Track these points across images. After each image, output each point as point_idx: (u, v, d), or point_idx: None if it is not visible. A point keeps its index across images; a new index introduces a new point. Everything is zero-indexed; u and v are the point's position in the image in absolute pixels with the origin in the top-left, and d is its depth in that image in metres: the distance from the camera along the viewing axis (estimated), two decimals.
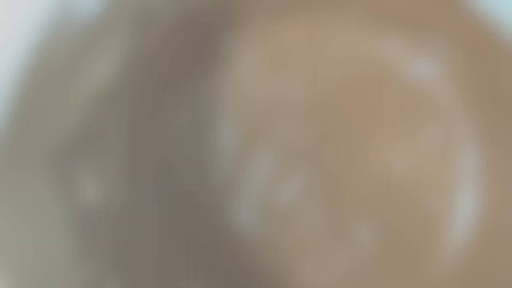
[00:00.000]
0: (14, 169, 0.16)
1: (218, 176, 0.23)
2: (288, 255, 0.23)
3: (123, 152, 0.22)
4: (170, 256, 0.23)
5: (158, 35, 0.20)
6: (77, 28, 0.15)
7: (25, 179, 0.17)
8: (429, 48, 0.22)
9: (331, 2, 0.23)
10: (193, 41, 0.21)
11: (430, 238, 0.22)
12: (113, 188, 0.21)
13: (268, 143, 0.23)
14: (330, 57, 0.23)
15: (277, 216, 0.23)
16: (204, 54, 0.22)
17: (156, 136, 0.23)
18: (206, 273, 0.23)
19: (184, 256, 0.23)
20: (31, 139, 0.16)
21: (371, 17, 0.23)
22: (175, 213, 0.23)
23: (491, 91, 0.21)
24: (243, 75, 0.23)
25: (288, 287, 0.23)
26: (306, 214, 0.23)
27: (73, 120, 0.19)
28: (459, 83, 0.22)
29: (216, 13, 0.21)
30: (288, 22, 0.23)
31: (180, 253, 0.23)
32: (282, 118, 0.23)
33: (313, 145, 0.23)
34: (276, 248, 0.23)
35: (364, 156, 0.23)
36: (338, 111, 0.23)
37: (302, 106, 0.23)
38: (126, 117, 0.21)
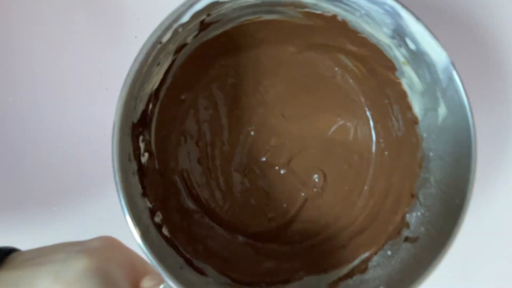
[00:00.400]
0: (121, 132, 0.27)
1: (222, 142, 0.35)
2: (266, 191, 0.35)
3: (155, 130, 0.32)
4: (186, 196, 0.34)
5: (184, 55, 0.31)
6: (155, 51, 0.27)
7: (123, 140, 0.27)
8: (342, 63, 0.35)
9: (286, 38, 0.34)
10: (203, 62, 0.33)
11: (355, 176, 0.35)
12: (151, 154, 0.32)
13: (252, 123, 0.35)
14: (287, 69, 0.35)
15: (259, 168, 0.35)
16: (207, 69, 0.34)
17: (176, 122, 0.34)
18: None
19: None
20: (126, 116, 0.27)
21: (310, 46, 0.35)
22: (195, 164, 0.34)
23: (375, 86, 0.34)
24: (233, 82, 0.35)
25: (270, 207, 0.35)
26: (278, 167, 0.35)
27: (139, 107, 0.30)
28: (360, 83, 0.35)
29: (217, 46, 0.33)
30: (261, 50, 0.35)
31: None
32: (259, 108, 0.35)
33: (280, 123, 0.35)
34: (260, 185, 0.35)
35: (313, 130, 0.35)
36: (295, 102, 0.35)
37: (271, 100, 0.35)
38: (161, 106, 0.32)
